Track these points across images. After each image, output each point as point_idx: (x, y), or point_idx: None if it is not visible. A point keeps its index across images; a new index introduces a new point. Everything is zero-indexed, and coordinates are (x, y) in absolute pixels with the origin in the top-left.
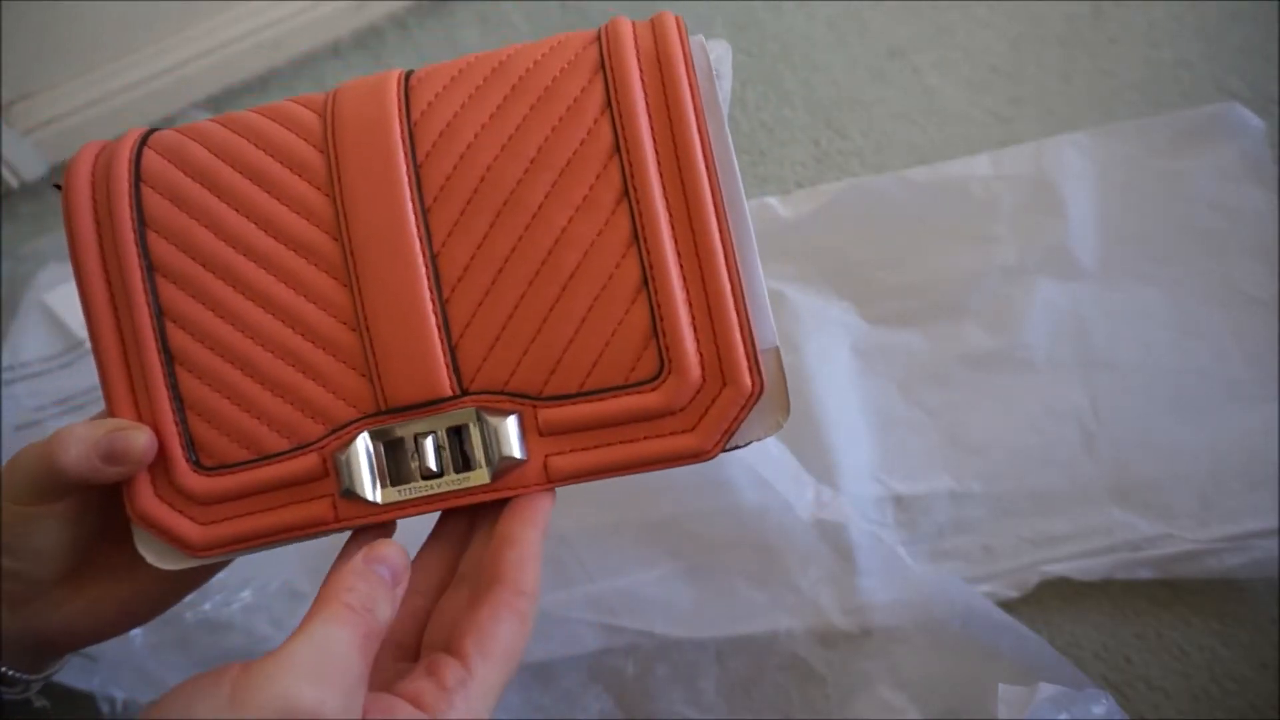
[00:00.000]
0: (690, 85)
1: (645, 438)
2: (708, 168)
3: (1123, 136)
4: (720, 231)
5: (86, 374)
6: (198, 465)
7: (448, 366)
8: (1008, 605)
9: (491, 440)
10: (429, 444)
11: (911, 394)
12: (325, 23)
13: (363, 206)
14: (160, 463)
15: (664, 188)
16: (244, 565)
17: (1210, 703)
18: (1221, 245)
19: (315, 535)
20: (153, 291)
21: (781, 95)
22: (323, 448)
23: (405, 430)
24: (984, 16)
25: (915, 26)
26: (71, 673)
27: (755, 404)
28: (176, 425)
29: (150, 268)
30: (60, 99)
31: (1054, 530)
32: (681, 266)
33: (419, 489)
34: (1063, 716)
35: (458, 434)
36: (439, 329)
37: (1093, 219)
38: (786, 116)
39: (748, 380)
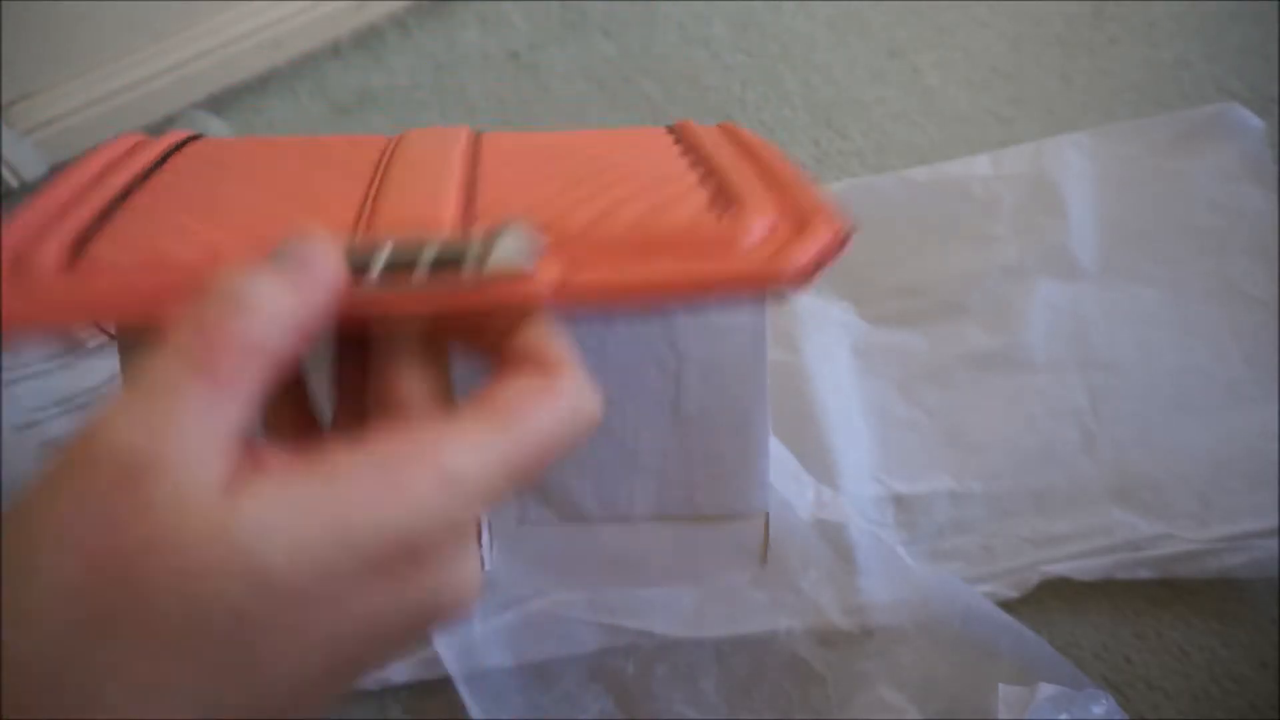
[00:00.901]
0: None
1: (704, 262)
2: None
3: (1123, 136)
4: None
5: (86, 374)
6: (73, 252)
7: (459, 208)
8: (1007, 605)
9: (490, 246)
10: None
11: (911, 394)
12: (325, 23)
13: (408, 148)
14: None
15: (723, 150)
16: None
17: (1210, 703)
18: (1221, 245)
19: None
20: (160, 161)
21: (781, 95)
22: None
23: (380, 247)
24: (984, 17)
25: (915, 26)
26: None
27: (845, 241)
28: (83, 225)
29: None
30: (60, 99)
31: (1054, 530)
32: (744, 170)
33: (370, 286)
34: (1063, 717)
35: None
36: (461, 189)
37: (1093, 219)
38: (786, 116)
39: (832, 217)
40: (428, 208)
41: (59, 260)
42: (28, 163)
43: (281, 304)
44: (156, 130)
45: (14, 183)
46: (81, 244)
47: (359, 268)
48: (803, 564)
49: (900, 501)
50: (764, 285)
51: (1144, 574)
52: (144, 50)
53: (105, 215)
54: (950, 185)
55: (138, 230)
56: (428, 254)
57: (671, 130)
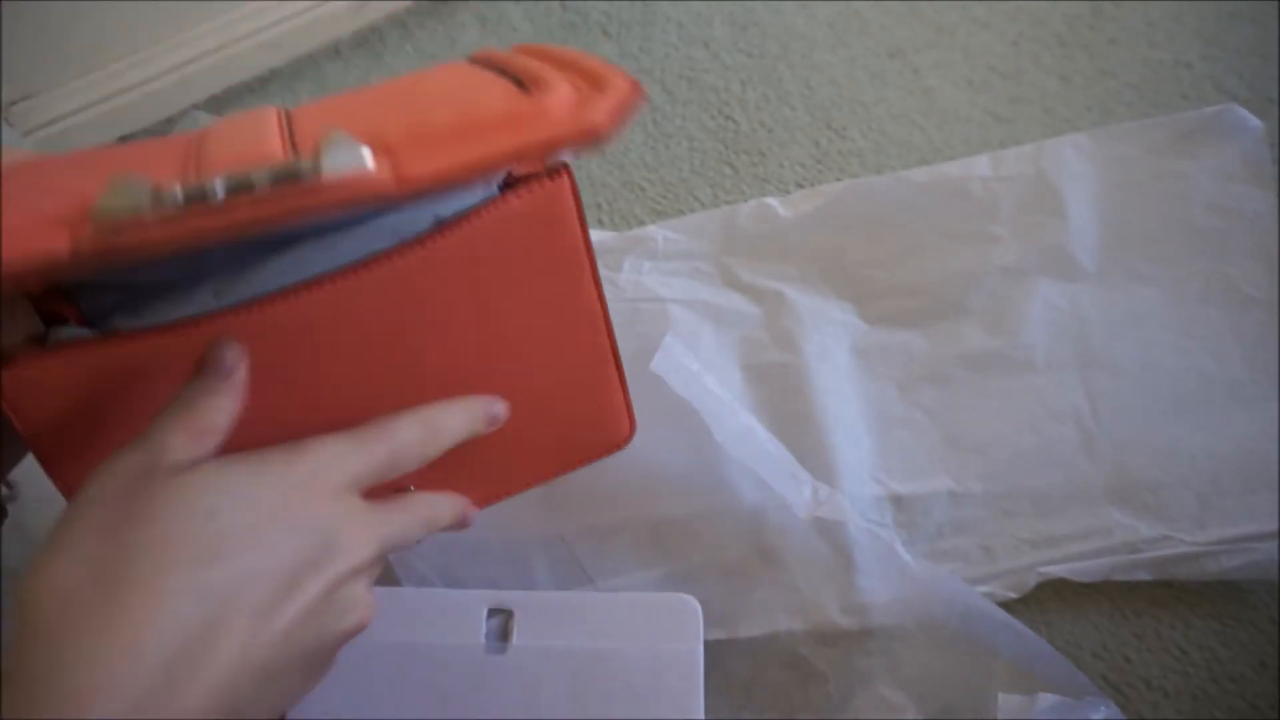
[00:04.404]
0: None
1: (526, 132)
2: None
3: (1123, 137)
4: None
5: None
6: None
7: (283, 136)
8: (1007, 606)
9: (321, 158)
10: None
11: (911, 394)
12: (325, 23)
13: (221, 123)
14: None
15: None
16: None
17: (1210, 702)
18: (1221, 246)
19: (26, 267)
20: None
21: (781, 95)
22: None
23: (217, 179)
24: (983, 17)
25: (915, 27)
26: None
27: (638, 100)
28: None
29: None
30: (60, 99)
31: (1053, 531)
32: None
33: (212, 202)
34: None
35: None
36: (280, 122)
37: (1092, 220)
38: (786, 116)
39: (622, 79)
40: (253, 145)
41: None
42: None
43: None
44: (157, 131)
45: None
46: None
47: (198, 196)
48: (802, 563)
49: (899, 502)
50: (583, 138)
51: (1142, 576)
52: (144, 50)
53: None
54: (950, 186)
55: None
56: (262, 174)
57: (471, 59)
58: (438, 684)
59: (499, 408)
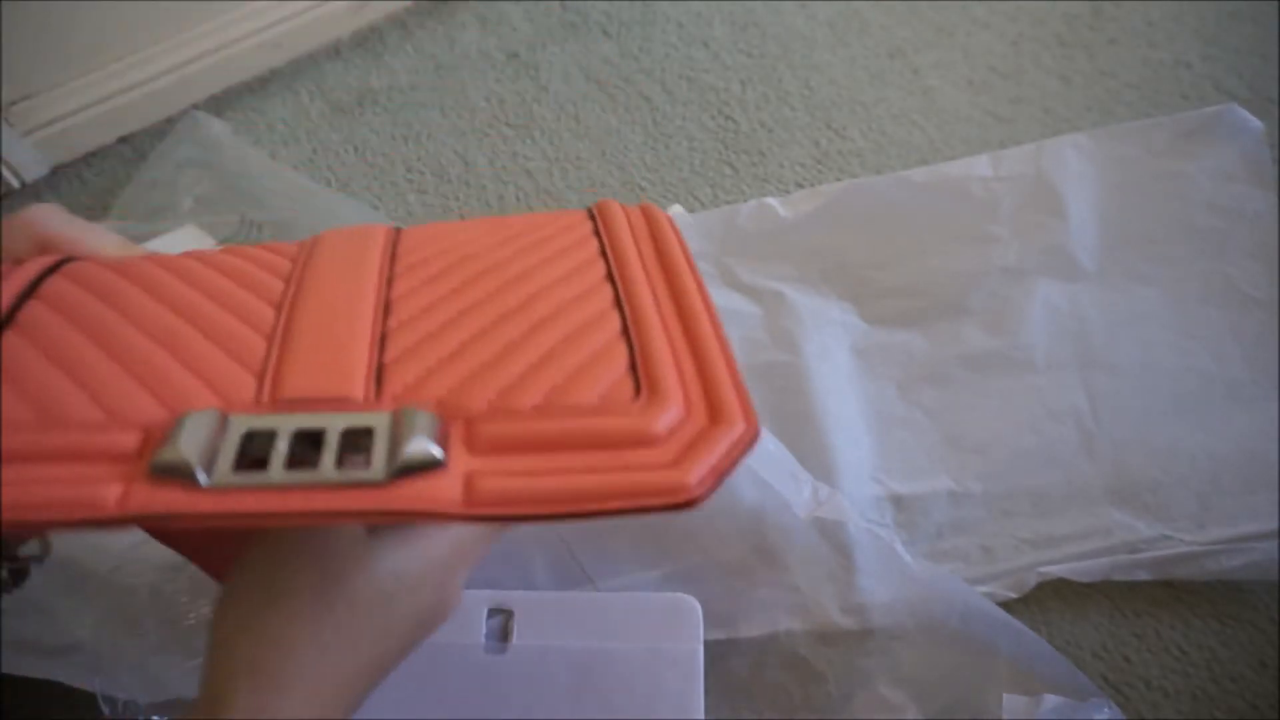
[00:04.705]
0: (678, 240)
1: (611, 469)
2: (690, 269)
3: (1123, 137)
4: (708, 309)
5: None
6: None
7: (368, 371)
8: (1007, 606)
9: (400, 441)
10: (309, 439)
11: (911, 394)
12: (325, 23)
13: (322, 262)
14: None
15: (647, 275)
16: None
17: (1210, 702)
18: (1221, 246)
19: (82, 525)
20: (29, 290)
21: (781, 95)
22: (153, 422)
23: (283, 423)
24: (983, 17)
25: (915, 27)
26: (72, 672)
27: (750, 446)
28: None
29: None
30: (60, 99)
31: (1053, 531)
32: (664, 322)
33: (271, 477)
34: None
35: (359, 442)
36: (371, 345)
37: (1093, 220)
38: (786, 116)
39: (740, 416)
40: (334, 379)
41: None
42: (28, 163)
43: None
44: (157, 131)
45: (15, 183)
46: None
47: (259, 460)
48: (802, 563)
49: (899, 502)
50: (669, 502)
51: (1142, 576)
52: (144, 51)
53: None
54: (950, 186)
55: (21, 377)
56: (329, 460)
57: (591, 217)
58: (438, 683)
59: None
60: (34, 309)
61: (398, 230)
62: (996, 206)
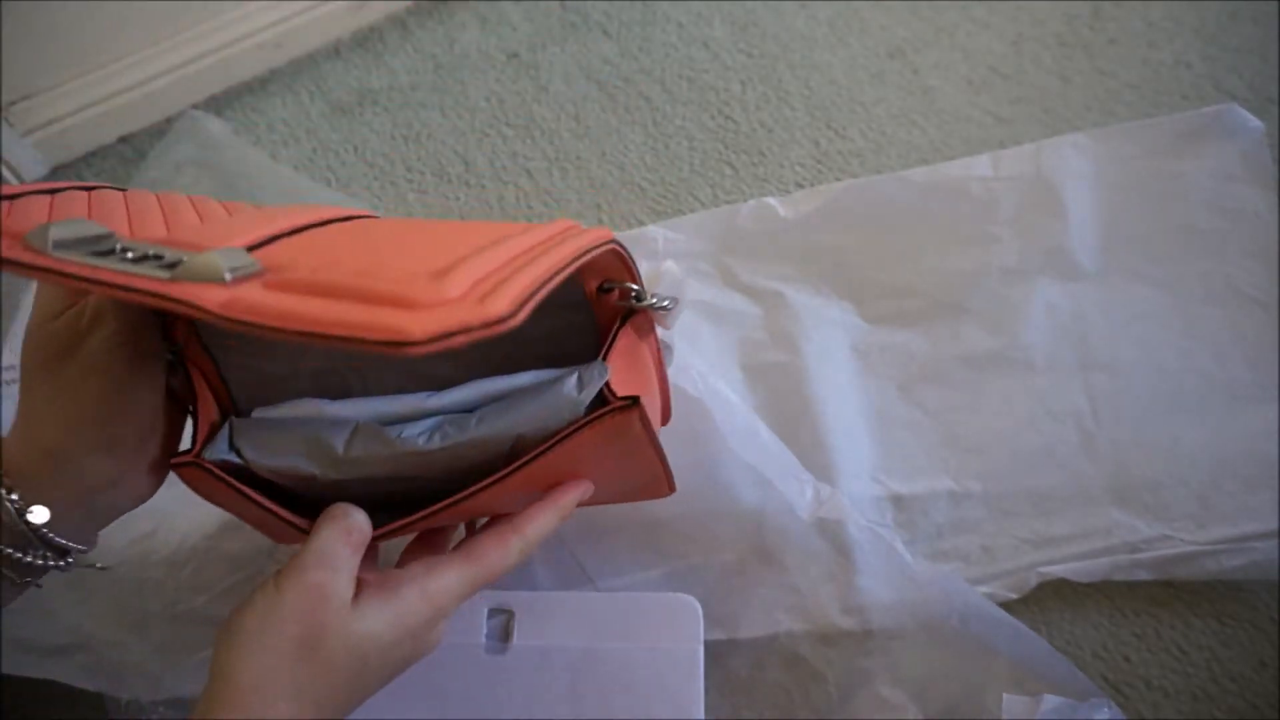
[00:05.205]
0: None
1: (359, 311)
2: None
3: (1123, 137)
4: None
5: None
6: None
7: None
8: (1007, 606)
9: (196, 258)
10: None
11: (911, 394)
12: (325, 23)
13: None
14: None
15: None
16: (249, 566)
17: (1210, 702)
18: (1221, 246)
19: None
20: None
21: (781, 95)
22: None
23: (133, 245)
24: (983, 17)
25: (915, 27)
26: (73, 672)
27: (489, 325)
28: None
29: None
30: (60, 99)
31: (1053, 531)
32: (521, 250)
33: (90, 260)
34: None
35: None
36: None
37: (1093, 220)
38: (786, 116)
39: (506, 305)
40: (199, 233)
41: None
42: (28, 163)
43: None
44: (157, 131)
45: (14, 183)
46: None
47: (105, 250)
48: (802, 563)
49: (899, 502)
50: (387, 340)
51: (1142, 576)
52: (144, 51)
53: None
54: (950, 186)
55: None
56: (141, 250)
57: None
58: (438, 683)
59: (585, 490)
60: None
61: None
62: (997, 206)
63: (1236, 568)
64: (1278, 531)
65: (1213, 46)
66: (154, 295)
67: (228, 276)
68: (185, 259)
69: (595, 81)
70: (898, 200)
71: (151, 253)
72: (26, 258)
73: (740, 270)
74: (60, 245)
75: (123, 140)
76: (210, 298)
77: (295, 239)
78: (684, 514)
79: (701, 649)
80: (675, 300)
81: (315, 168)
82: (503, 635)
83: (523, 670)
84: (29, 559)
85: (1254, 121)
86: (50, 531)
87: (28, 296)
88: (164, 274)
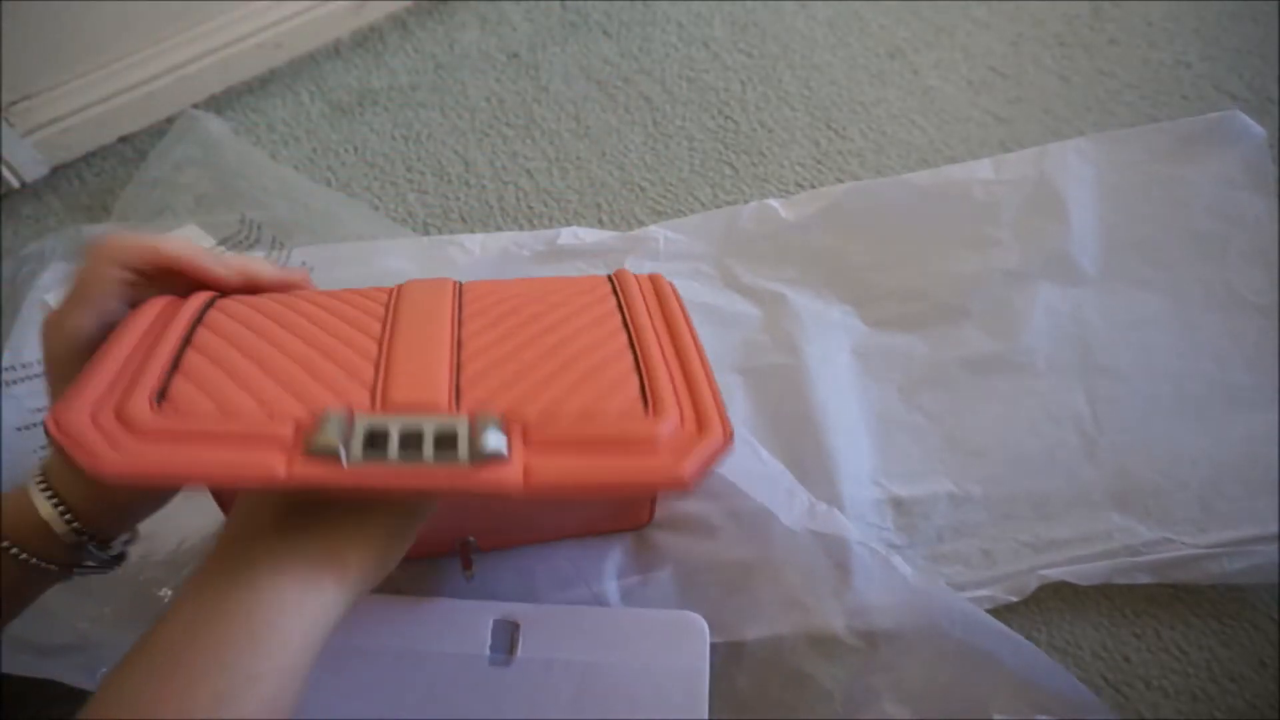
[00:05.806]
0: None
1: (629, 462)
2: (685, 319)
3: (1125, 142)
4: (698, 350)
5: None
6: (156, 401)
7: (450, 388)
8: (1007, 609)
9: (478, 438)
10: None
11: (912, 397)
12: (325, 23)
13: (407, 309)
14: (114, 395)
15: (652, 324)
16: None
17: (1209, 702)
18: (1222, 251)
19: (253, 485)
20: (197, 320)
21: (781, 95)
22: (299, 418)
23: (394, 424)
24: (983, 18)
25: (915, 27)
26: (72, 672)
27: (727, 449)
28: (159, 379)
29: (198, 319)
30: (60, 99)
31: (1053, 535)
32: (664, 358)
33: (389, 460)
34: None
35: (445, 439)
36: (450, 370)
37: (1094, 224)
38: (786, 116)
39: (719, 428)
40: (427, 391)
41: (147, 409)
42: (28, 163)
43: None
44: (157, 131)
45: (14, 183)
46: (162, 394)
47: (377, 443)
48: (803, 577)
49: (900, 505)
50: (671, 487)
51: (1143, 579)
52: (144, 51)
53: (173, 369)
54: (951, 189)
55: (203, 382)
56: (429, 444)
57: (610, 281)
58: (442, 694)
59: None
60: (203, 334)
61: (460, 284)
62: (998, 210)
63: (1237, 571)
64: (1278, 535)
65: (1213, 47)
66: (458, 491)
67: (504, 449)
68: (458, 436)
69: (595, 81)
70: (899, 203)
71: (411, 430)
72: (320, 476)
73: (742, 272)
74: (349, 454)
75: (123, 140)
76: (511, 481)
77: (480, 363)
78: (683, 521)
79: (707, 667)
80: None
81: (315, 168)
82: (508, 647)
83: (526, 683)
84: (80, 561)
85: (1256, 128)
86: (91, 530)
87: (28, 297)
88: (464, 463)
